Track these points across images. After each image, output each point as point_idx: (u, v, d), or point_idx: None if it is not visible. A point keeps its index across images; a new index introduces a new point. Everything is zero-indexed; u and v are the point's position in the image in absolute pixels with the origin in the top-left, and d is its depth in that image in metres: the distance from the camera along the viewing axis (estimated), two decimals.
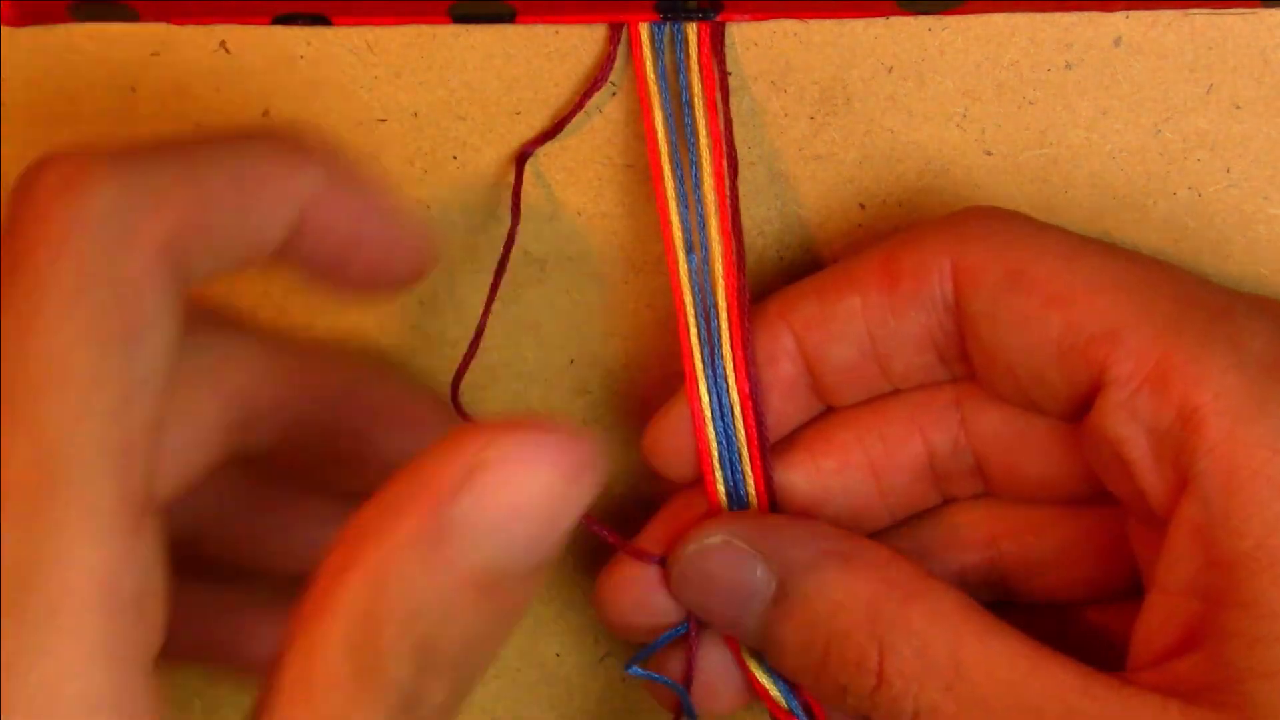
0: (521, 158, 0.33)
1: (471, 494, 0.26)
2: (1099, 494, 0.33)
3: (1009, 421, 0.34)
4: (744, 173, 0.35)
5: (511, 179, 0.35)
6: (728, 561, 0.34)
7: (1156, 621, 0.30)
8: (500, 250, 0.36)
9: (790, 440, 0.35)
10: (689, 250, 0.34)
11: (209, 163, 0.27)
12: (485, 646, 0.28)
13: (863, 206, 0.36)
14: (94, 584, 0.24)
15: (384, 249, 0.30)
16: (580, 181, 0.35)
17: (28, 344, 0.24)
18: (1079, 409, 0.31)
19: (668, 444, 0.35)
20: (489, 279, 0.36)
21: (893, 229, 0.36)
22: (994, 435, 0.34)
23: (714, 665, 0.36)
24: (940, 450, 0.35)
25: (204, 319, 0.31)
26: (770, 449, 0.35)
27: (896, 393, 0.35)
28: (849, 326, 0.33)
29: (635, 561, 0.36)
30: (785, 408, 0.35)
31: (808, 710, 0.35)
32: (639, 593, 0.35)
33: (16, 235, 0.25)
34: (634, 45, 0.33)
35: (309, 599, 0.26)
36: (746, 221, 0.35)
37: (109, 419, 0.24)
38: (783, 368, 0.34)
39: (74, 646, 0.24)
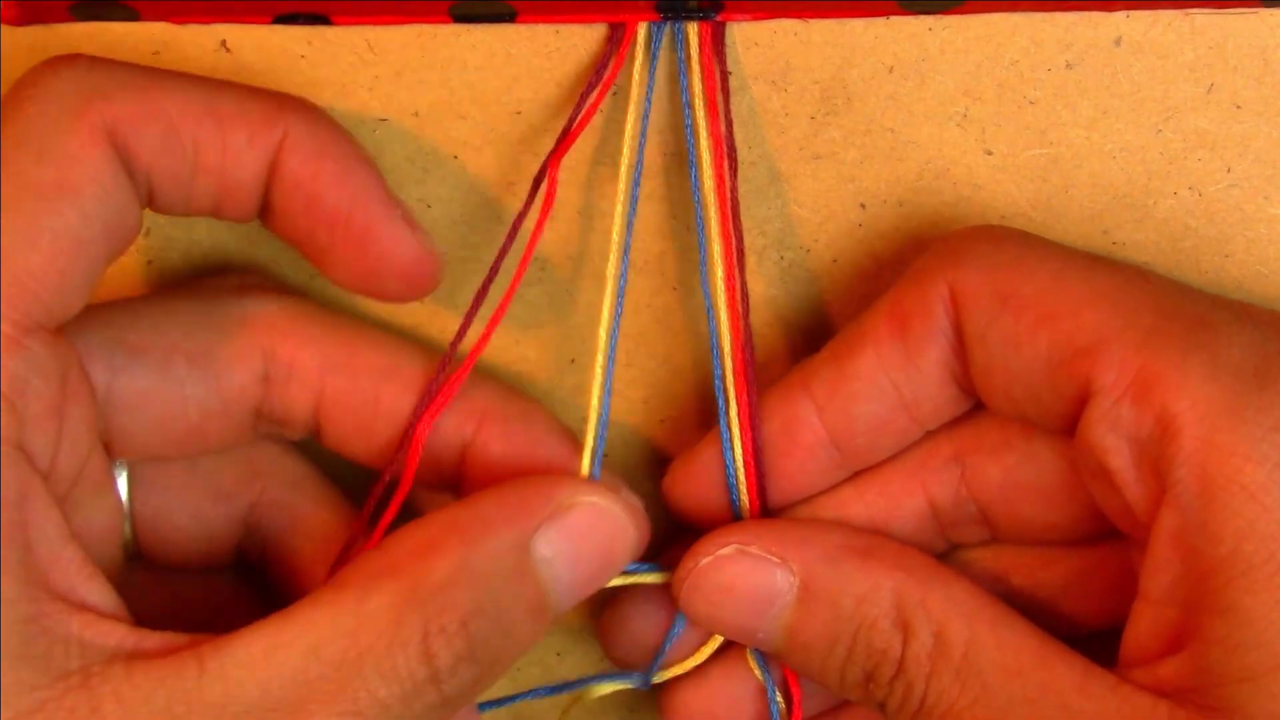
0: (540, 173, 0.33)
1: (555, 528, 0.31)
2: (1105, 532, 0.33)
3: (1010, 471, 0.34)
4: (744, 172, 0.35)
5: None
6: (744, 570, 0.33)
7: (1143, 627, 0.31)
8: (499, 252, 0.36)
9: None
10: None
11: (183, 86, 0.31)
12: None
13: (863, 206, 0.36)
14: None
15: (369, 227, 0.32)
16: (580, 181, 0.35)
17: None
18: (1072, 424, 0.32)
19: (692, 485, 0.36)
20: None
21: (893, 229, 0.36)
22: (995, 486, 0.34)
23: (726, 697, 0.36)
24: (942, 503, 0.35)
25: (248, 288, 0.35)
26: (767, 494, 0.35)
27: (899, 451, 0.35)
28: (870, 383, 0.33)
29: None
30: (805, 474, 0.35)
31: (785, 694, 0.36)
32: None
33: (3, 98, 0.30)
34: (626, 44, 0.33)
35: (376, 554, 0.30)
36: (747, 221, 0.35)
37: (10, 252, 0.28)
38: (803, 435, 0.34)
39: None
